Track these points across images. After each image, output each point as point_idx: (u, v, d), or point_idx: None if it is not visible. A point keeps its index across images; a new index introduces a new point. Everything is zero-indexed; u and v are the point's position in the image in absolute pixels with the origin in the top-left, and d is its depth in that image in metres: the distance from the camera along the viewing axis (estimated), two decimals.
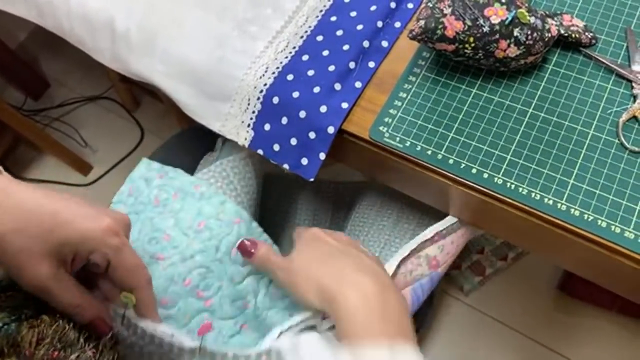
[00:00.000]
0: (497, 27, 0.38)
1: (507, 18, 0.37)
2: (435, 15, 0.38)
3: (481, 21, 0.38)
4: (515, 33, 0.38)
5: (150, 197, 0.47)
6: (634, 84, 0.40)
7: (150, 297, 0.33)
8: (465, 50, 0.39)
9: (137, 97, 1.35)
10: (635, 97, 0.40)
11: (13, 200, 0.30)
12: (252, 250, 0.41)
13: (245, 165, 0.51)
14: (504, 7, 0.38)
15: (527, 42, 0.38)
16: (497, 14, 0.38)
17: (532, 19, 0.38)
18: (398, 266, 0.43)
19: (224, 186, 0.48)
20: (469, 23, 0.38)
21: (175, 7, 0.51)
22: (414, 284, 0.45)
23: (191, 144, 0.59)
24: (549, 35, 0.39)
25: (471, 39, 0.38)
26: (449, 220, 0.46)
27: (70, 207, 0.31)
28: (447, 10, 0.38)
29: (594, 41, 0.43)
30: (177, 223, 0.44)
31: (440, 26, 0.38)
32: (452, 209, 0.46)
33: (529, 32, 0.38)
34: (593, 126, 0.40)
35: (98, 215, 0.31)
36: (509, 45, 0.38)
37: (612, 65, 0.41)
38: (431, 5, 0.39)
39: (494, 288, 1.05)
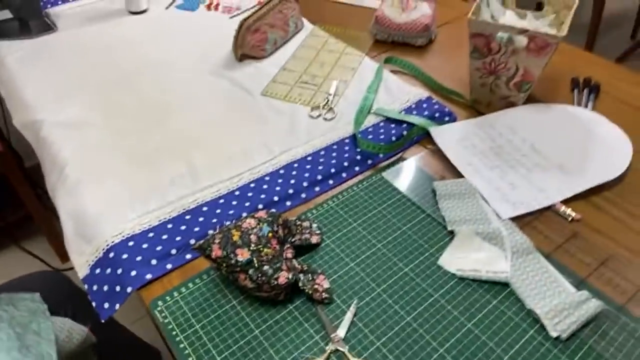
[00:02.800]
0: (240, 263, 0.54)
1: (245, 260, 0.54)
2: (209, 240, 0.56)
3: (232, 255, 0.55)
4: (250, 272, 0.54)
5: None
6: (329, 345, 0.53)
7: None
8: (222, 270, 0.56)
9: None
10: (324, 352, 0.52)
11: None
12: None
13: None
14: (249, 252, 0.55)
15: (257, 281, 0.54)
16: (242, 255, 0.55)
17: (265, 267, 0.55)
18: None
19: None
20: (225, 253, 0.55)
21: (111, 170, 0.75)
22: None
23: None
24: (276, 282, 0.55)
25: (224, 264, 0.55)
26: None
27: None
28: (217, 240, 0.56)
29: (326, 301, 0.57)
30: None
31: (209, 248, 0.56)
32: None
33: (260, 275, 0.54)
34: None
35: None
36: (245, 279, 0.54)
37: (326, 324, 0.55)
38: (212, 233, 0.57)
39: None
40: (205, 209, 0.69)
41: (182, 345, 0.54)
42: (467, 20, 0.79)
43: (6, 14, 1.07)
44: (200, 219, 0.68)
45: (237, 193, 0.72)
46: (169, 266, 0.62)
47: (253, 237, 0.57)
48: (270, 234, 0.57)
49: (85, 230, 0.67)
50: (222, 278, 0.60)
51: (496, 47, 0.79)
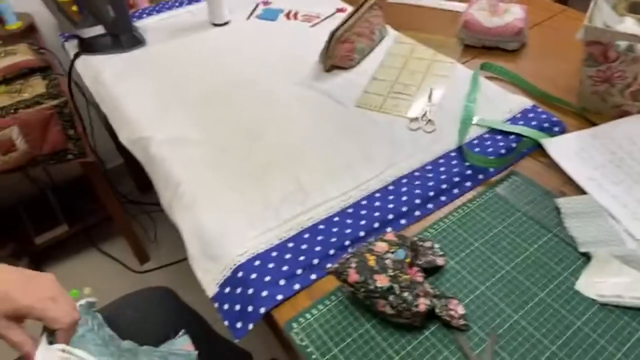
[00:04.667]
0: (379, 290, 0.54)
1: (385, 286, 0.54)
2: (345, 264, 0.56)
3: (370, 281, 0.55)
4: (390, 298, 0.54)
5: None
6: None
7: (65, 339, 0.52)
8: (359, 295, 0.56)
9: None
10: None
11: None
12: None
13: None
14: (388, 278, 0.55)
15: (397, 308, 0.54)
16: (381, 281, 0.54)
17: (405, 294, 0.54)
18: None
19: None
20: (362, 279, 0.55)
21: (223, 187, 0.76)
22: None
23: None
24: (416, 309, 0.54)
25: (362, 290, 0.55)
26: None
27: (14, 288, 0.52)
28: (353, 265, 0.56)
29: (464, 328, 0.56)
30: None
31: (345, 273, 0.56)
32: None
33: (400, 301, 0.54)
34: None
35: (31, 291, 0.52)
36: (384, 305, 0.54)
37: (467, 353, 0.54)
38: (347, 257, 0.57)
39: None
40: (321, 227, 0.70)
41: None
42: (582, 27, 0.75)
43: (99, 30, 1.11)
44: (319, 238, 0.68)
45: (349, 211, 0.72)
46: (296, 287, 0.63)
47: (389, 262, 0.56)
48: (407, 259, 0.57)
49: (209, 249, 0.69)
50: (352, 300, 0.61)
51: (614, 55, 0.75)
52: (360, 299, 0.57)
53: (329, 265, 0.58)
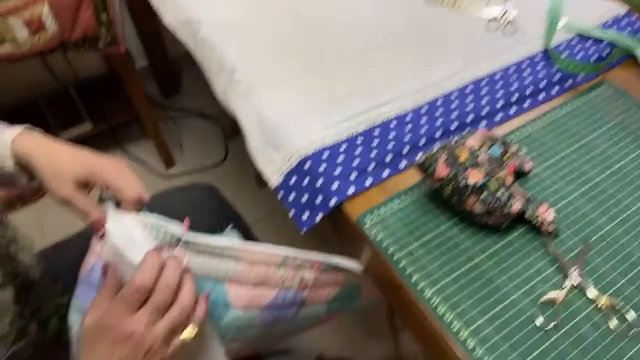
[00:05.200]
0: (471, 186, 0.50)
1: (479, 182, 0.49)
2: (433, 158, 0.52)
3: (460, 177, 0.50)
4: (483, 196, 0.50)
5: None
6: (566, 279, 0.49)
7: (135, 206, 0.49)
8: (445, 192, 0.51)
9: (236, 130, 1.60)
10: (562, 288, 0.49)
11: (52, 149, 0.50)
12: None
13: None
14: (482, 174, 0.50)
15: (489, 206, 0.50)
16: (474, 177, 0.50)
17: (500, 193, 0.50)
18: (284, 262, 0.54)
19: None
20: (452, 173, 0.50)
21: (283, 76, 0.70)
22: (280, 290, 0.55)
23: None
24: (509, 210, 0.50)
25: (450, 186, 0.51)
26: (343, 262, 0.57)
27: (86, 156, 0.50)
28: (443, 158, 0.51)
29: (554, 233, 0.52)
30: None
31: (433, 166, 0.51)
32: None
33: (493, 200, 0.50)
34: (520, 292, 0.49)
35: (103, 159, 0.49)
36: (475, 202, 0.50)
37: (559, 258, 0.51)
38: (434, 151, 0.52)
39: None
40: (393, 124, 0.64)
41: (401, 265, 0.51)
42: None
43: None
44: (391, 135, 0.63)
45: (423, 110, 0.66)
46: (368, 182, 0.58)
47: (482, 159, 0.51)
48: (505, 156, 0.52)
49: (271, 138, 0.64)
50: (430, 197, 0.57)
51: None
52: (443, 196, 0.53)
53: (417, 158, 0.53)
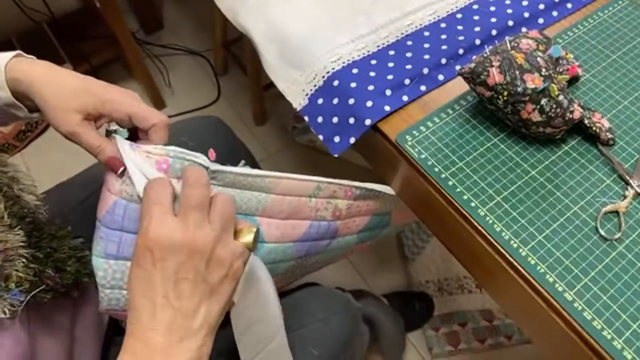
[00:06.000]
0: (529, 92, 0.45)
1: (539, 87, 0.44)
2: (485, 63, 0.46)
3: (518, 82, 0.45)
4: (542, 102, 0.45)
5: None
6: (628, 188, 0.46)
7: (163, 131, 0.43)
8: (498, 101, 0.47)
9: (228, 65, 1.50)
10: (624, 197, 0.45)
11: (55, 75, 0.42)
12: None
13: None
14: (542, 78, 0.45)
15: (549, 113, 0.45)
16: (533, 81, 0.45)
17: (561, 97, 0.45)
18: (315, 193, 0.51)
19: None
20: (508, 79, 0.45)
21: None
22: (313, 221, 0.52)
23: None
24: (571, 116, 0.46)
25: (505, 93, 0.46)
26: (377, 187, 0.54)
27: (97, 84, 0.43)
28: (496, 63, 0.46)
29: (611, 142, 0.49)
30: None
31: (485, 73, 0.46)
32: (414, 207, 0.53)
33: (554, 106, 0.45)
34: (579, 205, 0.46)
35: (116, 89, 0.43)
36: (533, 110, 0.45)
37: (618, 167, 0.47)
38: (485, 56, 0.47)
39: None
40: (427, 33, 0.58)
41: (450, 183, 0.47)
42: None
43: None
44: (426, 45, 0.57)
45: (459, 16, 0.59)
46: (405, 98, 0.53)
47: (541, 60, 0.46)
48: (567, 55, 0.47)
49: (291, 55, 0.57)
50: (474, 112, 0.52)
51: None
52: (495, 107, 0.48)
53: (463, 66, 0.48)
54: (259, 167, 0.89)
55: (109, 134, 0.44)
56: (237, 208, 0.46)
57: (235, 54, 1.38)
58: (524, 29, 0.58)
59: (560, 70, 0.51)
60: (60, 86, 0.42)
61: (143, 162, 0.41)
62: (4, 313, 0.38)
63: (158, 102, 1.46)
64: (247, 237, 0.39)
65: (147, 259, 0.35)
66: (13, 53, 0.43)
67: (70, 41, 1.40)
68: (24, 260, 0.43)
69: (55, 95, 0.42)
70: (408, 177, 0.52)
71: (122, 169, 0.41)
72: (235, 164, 0.73)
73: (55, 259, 0.49)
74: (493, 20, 0.58)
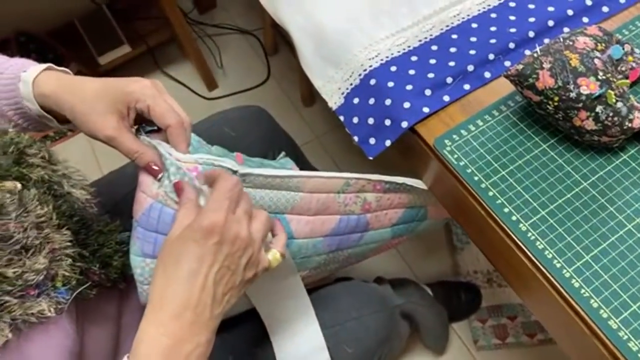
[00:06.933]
0: (584, 98, 0.41)
1: (595, 93, 0.40)
2: (534, 65, 0.42)
3: (571, 86, 0.41)
4: (597, 109, 0.41)
5: None
6: None
7: (180, 134, 0.43)
8: (548, 106, 0.43)
9: (278, 45, 1.49)
10: None
11: (74, 84, 0.44)
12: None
13: None
14: (598, 83, 0.40)
15: (605, 122, 0.41)
16: (588, 86, 0.40)
17: (619, 104, 0.41)
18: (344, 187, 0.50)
19: None
20: (560, 83, 0.41)
21: None
22: (342, 215, 0.52)
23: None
24: (630, 125, 0.41)
25: (556, 98, 0.42)
26: (407, 180, 0.53)
27: (116, 80, 0.44)
28: (547, 65, 0.42)
29: None
30: None
31: (534, 76, 0.42)
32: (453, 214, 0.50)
33: (610, 114, 0.40)
34: (634, 222, 0.41)
35: (137, 80, 0.44)
36: (587, 118, 0.41)
37: None
38: (535, 56, 0.43)
39: (506, 358, 1.03)
40: (474, 25, 0.54)
41: (490, 194, 0.44)
42: None
43: None
44: (472, 39, 0.53)
45: (512, 4, 0.55)
46: (446, 98, 0.50)
47: (598, 62, 0.41)
48: (630, 58, 0.42)
49: (329, 52, 0.55)
50: (522, 115, 0.48)
51: None
52: (544, 112, 0.44)
53: (510, 68, 0.44)
54: (301, 156, 0.89)
55: (138, 131, 0.45)
56: (267, 207, 0.47)
57: (284, 34, 1.37)
58: (585, 19, 0.52)
59: (622, 71, 0.45)
60: (82, 92, 0.43)
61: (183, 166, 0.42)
62: (50, 312, 0.41)
63: (211, 83, 1.49)
64: (275, 255, 0.41)
65: (212, 239, 0.37)
66: (44, 66, 0.45)
67: (127, 22, 1.45)
68: (71, 259, 0.45)
69: (81, 101, 0.43)
70: (444, 182, 0.49)
71: (160, 175, 0.42)
72: (276, 154, 0.73)
73: (102, 255, 0.52)
74: (550, 9, 0.53)
